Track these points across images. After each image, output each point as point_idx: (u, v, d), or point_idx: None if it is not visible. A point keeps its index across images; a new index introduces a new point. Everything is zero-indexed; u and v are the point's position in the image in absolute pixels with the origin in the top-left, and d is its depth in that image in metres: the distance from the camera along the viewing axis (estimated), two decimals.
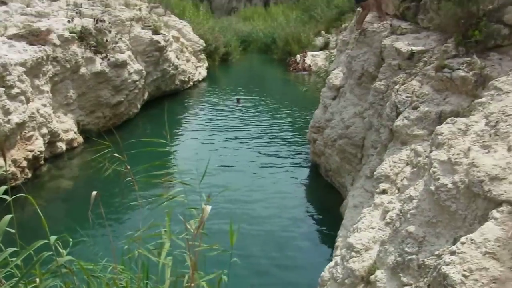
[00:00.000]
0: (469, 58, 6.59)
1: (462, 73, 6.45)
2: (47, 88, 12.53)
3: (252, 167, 12.52)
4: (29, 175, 11.19)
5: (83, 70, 14.19)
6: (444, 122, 5.23)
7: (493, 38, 6.65)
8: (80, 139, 13.92)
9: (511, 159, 4.00)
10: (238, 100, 19.96)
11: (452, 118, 5.25)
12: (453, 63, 6.72)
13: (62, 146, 12.99)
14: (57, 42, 13.22)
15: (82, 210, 3.82)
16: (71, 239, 3.11)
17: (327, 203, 10.41)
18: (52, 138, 12.45)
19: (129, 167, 3.22)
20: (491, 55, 6.60)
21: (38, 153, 11.44)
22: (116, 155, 3.21)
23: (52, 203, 10.54)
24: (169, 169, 3.37)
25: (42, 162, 11.94)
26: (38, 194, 10.66)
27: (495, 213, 3.65)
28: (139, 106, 17.47)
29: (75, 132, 13.78)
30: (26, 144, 11.09)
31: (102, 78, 14.92)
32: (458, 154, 4.44)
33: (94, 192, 2.99)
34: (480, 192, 3.89)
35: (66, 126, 13.44)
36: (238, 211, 9.78)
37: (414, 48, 8.09)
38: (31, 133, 11.23)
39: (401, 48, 8.29)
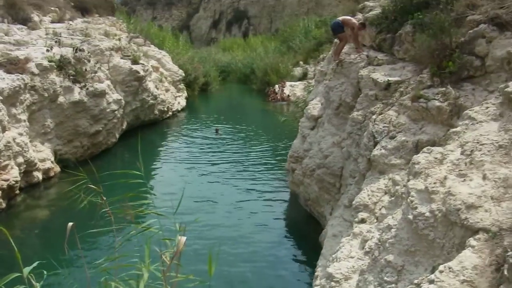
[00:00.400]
0: (443, 88, 6.72)
1: (437, 103, 6.57)
2: (24, 116, 12.40)
3: (231, 198, 12.41)
4: (4, 205, 10.93)
5: (61, 99, 14.10)
6: (421, 152, 5.30)
7: (466, 69, 6.81)
8: (57, 168, 13.72)
9: (486, 187, 4.06)
10: (217, 130, 20.00)
11: (429, 147, 5.33)
12: (428, 93, 6.84)
13: (38, 175, 12.78)
14: (36, 71, 13.15)
15: (58, 241, 3.74)
16: (45, 271, 3.03)
17: (306, 232, 10.36)
18: (28, 168, 12.25)
19: (105, 198, 3.18)
20: (464, 85, 6.74)
21: (14, 182, 11.22)
22: (92, 186, 3.17)
23: (27, 234, 10.29)
24: (143, 201, 3.33)
25: (18, 191, 11.71)
26: (13, 225, 10.43)
27: (472, 241, 3.68)
28: (117, 136, 17.37)
29: (52, 162, 13.59)
30: (1, 174, 10.87)
31: (80, 107, 14.82)
32: (435, 183, 4.49)
33: (70, 223, 2.94)
34: (457, 220, 3.93)
35: (43, 155, 13.26)
36: (216, 244, 9.55)
37: (390, 78, 8.23)
38: (7, 162, 11.03)
39: (377, 78, 8.43)
